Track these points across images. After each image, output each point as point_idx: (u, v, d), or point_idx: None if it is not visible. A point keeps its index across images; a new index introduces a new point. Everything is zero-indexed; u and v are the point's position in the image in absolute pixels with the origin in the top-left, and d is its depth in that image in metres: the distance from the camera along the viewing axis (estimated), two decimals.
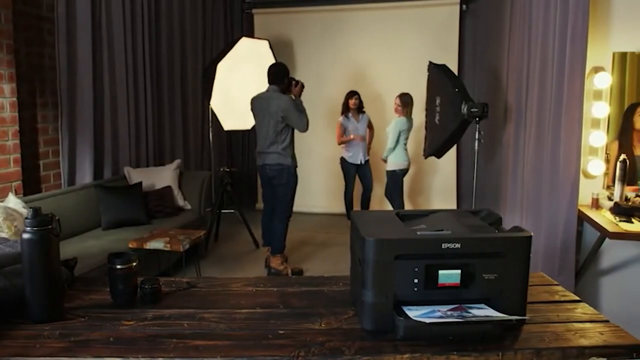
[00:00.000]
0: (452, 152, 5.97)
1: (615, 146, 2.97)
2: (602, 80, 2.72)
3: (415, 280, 1.25)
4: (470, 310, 1.24)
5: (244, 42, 5.33)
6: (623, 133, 2.96)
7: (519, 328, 1.32)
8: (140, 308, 1.43)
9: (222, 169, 5.12)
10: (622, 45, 2.71)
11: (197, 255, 4.22)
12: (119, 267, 1.40)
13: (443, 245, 1.24)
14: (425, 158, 4.77)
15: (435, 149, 4.53)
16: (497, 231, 1.34)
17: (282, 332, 1.30)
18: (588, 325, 1.35)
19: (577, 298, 1.54)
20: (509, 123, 3.98)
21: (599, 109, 2.76)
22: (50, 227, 1.32)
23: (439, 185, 6.20)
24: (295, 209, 4.31)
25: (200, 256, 4.43)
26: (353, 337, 1.26)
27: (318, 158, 6.18)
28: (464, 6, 5.91)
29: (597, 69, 2.74)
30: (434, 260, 1.25)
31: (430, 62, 4.59)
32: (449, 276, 1.26)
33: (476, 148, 4.51)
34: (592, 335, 1.29)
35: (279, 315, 1.40)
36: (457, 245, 1.24)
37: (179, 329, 1.31)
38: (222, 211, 5.20)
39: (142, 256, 3.56)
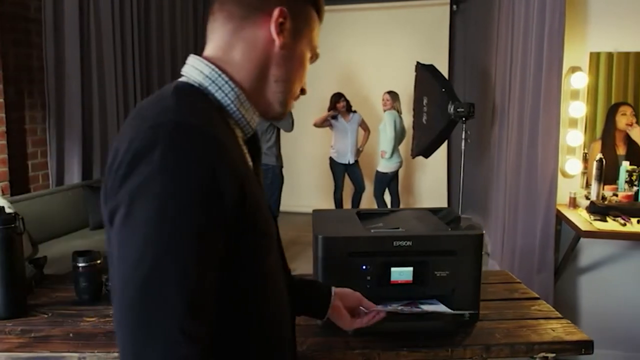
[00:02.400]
0: (443, 152, 6.00)
1: (598, 146, 2.99)
2: (579, 80, 2.74)
3: (368, 278, 1.28)
4: (421, 306, 1.27)
5: None
6: (606, 133, 2.97)
7: (472, 324, 1.34)
8: (104, 305, 1.46)
9: None
10: (599, 45, 2.73)
11: None
12: (81, 265, 1.43)
13: (395, 243, 1.27)
14: (413, 158, 4.80)
15: (422, 149, 4.55)
16: (450, 229, 1.36)
17: None
18: (542, 322, 1.38)
19: (536, 296, 1.57)
20: (495, 123, 4.00)
21: (576, 109, 2.78)
22: (13, 225, 1.35)
23: (429, 185, 6.22)
24: (285, 208, 4.33)
25: None
26: (307, 333, 1.29)
27: (308, 157, 6.21)
28: (454, 6, 5.93)
29: (574, 69, 2.76)
30: (386, 257, 1.28)
31: (418, 63, 4.62)
32: (401, 273, 1.28)
33: (463, 148, 4.54)
34: (544, 331, 1.32)
35: None
36: (409, 243, 1.27)
37: None
38: None
39: None
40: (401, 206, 5.52)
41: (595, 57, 2.79)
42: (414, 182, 6.25)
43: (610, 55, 2.80)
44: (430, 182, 6.20)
